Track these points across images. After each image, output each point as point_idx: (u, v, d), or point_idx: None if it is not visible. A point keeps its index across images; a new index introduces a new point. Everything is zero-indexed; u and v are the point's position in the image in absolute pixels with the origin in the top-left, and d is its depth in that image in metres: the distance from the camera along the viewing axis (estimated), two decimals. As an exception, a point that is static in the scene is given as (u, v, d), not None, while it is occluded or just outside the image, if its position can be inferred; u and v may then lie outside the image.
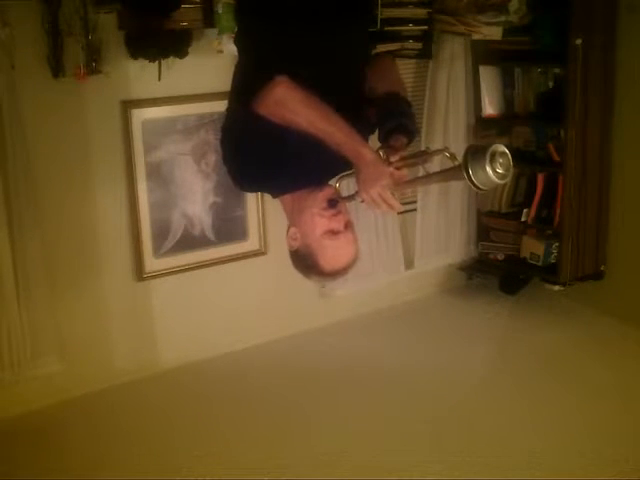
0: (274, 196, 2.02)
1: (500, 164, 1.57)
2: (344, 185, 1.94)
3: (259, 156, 1.83)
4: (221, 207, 3.75)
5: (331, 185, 1.91)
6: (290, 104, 1.73)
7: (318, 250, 1.87)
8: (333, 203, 1.87)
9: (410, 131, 1.86)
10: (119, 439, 3.18)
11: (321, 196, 1.87)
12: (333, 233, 1.86)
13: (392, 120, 1.85)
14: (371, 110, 1.94)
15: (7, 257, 3.13)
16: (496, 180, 1.57)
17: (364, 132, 1.87)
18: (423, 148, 1.96)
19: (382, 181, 1.72)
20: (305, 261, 1.90)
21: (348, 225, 1.89)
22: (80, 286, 3.45)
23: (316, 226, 1.86)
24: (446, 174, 1.72)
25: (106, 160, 3.39)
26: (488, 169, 1.55)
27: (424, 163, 1.78)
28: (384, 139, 1.85)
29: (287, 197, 1.94)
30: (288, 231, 1.94)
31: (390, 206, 1.76)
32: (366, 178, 1.74)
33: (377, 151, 1.76)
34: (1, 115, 3.01)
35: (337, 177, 1.90)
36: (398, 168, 1.76)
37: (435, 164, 1.89)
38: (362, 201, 1.80)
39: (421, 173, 1.86)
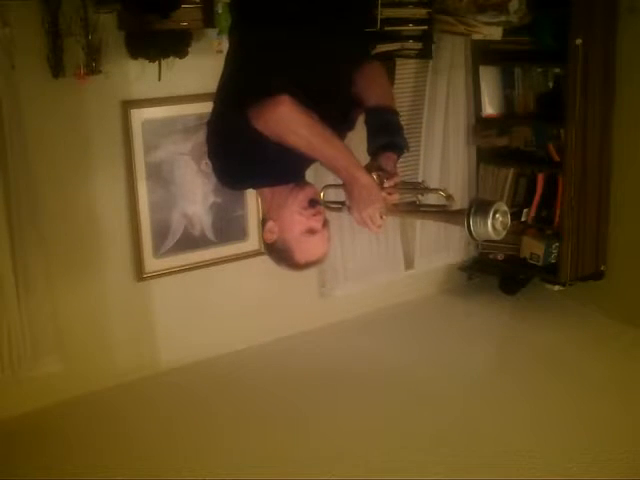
0: (255, 188, 2.05)
1: (500, 222, 1.66)
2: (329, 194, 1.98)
3: (242, 153, 1.83)
4: (221, 207, 3.74)
5: (312, 185, 1.95)
6: (291, 125, 1.72)
7: (295, 246, 1.91)
8: (314, 202, 1.91)
9: (399, 147, 1.91)
10: (119, 439, 3.18)
11: (302, 196, 1.90)
12: (311, 232, 1.90)
13: (382, 137, 1.89)
14: (356, 111, 1.97)
15: (7, 257, 3.13)
16: (492, 235, 1.67)
17: (342, 130, 1.90)
18: (420, 180, 2.02)
19: (375, 205, 1.77)
20: (280, 253, 1.95)
21: (325, 224, 1.94)
22: (80, 286, 3.45)
23: (295, 224, 1.90)
24: (446, 216, 1.80)
25: (106, 160, 3.39)
26: (489, 224, 1.64)
27: (416, 195, 1.85)
28: (374, 155, 1.89)
29: (267, 191, 1.96)
30: (265, 224, 1.96)
31: (378, 227, 1.81)
32: (359, 201, 1.78)
33: (371, 174, 1.80)
34: (1, 115, 3.01)
35: (323, 186, 1.94)
36: (390, 193, 1.82)
37: (430, 198, 1.94)
38: (349, 214, 1.84)
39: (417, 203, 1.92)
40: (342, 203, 1.86)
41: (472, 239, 1.71)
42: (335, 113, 1.82)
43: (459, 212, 1.69)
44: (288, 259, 1.94)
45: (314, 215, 1.90)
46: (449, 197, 1.76)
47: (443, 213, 1.81)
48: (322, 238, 1.94)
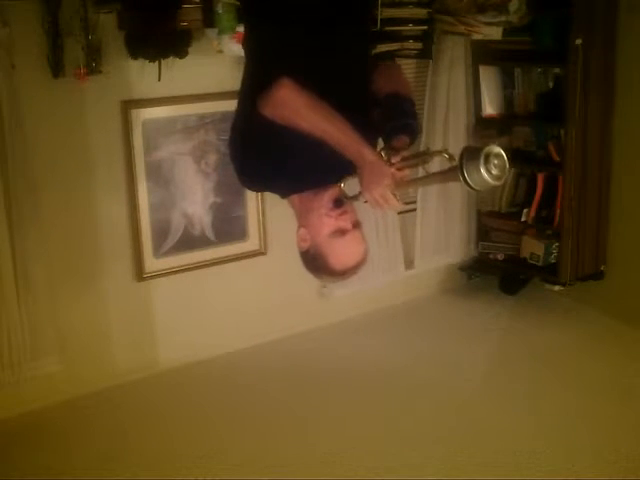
0: (282, 196, 2.01)
1: (495, 165, 1.57)
2: (350, 185, 1.94)
3: (266, 155, 1.84)
4: (221, 207, 3.74)
5: (336, 185, 1.91)
6: (293, 106, 1.74)
7: (327, 250, 1.88)
8: (339, 202, 1.87)
9: (413, 130, 1.88)
10: (119, 439, 3.18)
11: (327, 196, 1.88)
12: (341, 232, 1.87)
13: (395, 120, 1.87)
14: (377, 113, 1.95)
15: (7, 257, 3.13)
16: (491, 181, 1.58)
17: (371, 136, 1.88)
18: (423, 149, 1.97)
19: (384, 181, 1.74)
20: (315, 261, 1.91)
21: (356, 224, 1.90)
22: (80, 286, 3.45)
23: (324, 226, 1.87)
24: (444, 175, 1.73)
25: (106, 160, 3.39)
26: (482, 170, 1.56)
27: (424, 164, 1.80)
28: (387, 138, 1.86)
29: (295, 198, 1.95)
30: (298, 232, 1.94)
31: (391, 206, 1.78)
32: (368, 179, 1.76)
33: (379, 152, 1.78)
34: (1, 115, 3.01)
35: (343, 178, 1.90)
36: (399, 169, 1.77)
37: (435, 164, 1.90)
38: (365, 201, 1.81)
39: (421, 173, 1.88)
40: (359, 193, 1.82)
41: (474, 190, 1.62)
42: (351, 112, 1.79)
43: (454, 168, 1.62)
44: (324, 267, 1.90)
45: (341, 215, 1.88)
46: (451, 157, 1.69)
47: (441, 173, 1.74)
48: (354, 239, 1.90)
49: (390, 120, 1.88)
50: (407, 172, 1.79)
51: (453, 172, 1.62)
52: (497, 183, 1.60)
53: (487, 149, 1.57)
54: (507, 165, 1.59)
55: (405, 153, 1.80)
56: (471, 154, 1.58)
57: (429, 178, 1.82)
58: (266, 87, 1.76)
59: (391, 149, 1.80)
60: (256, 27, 1.94)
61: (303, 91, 1.74)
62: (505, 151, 1.61)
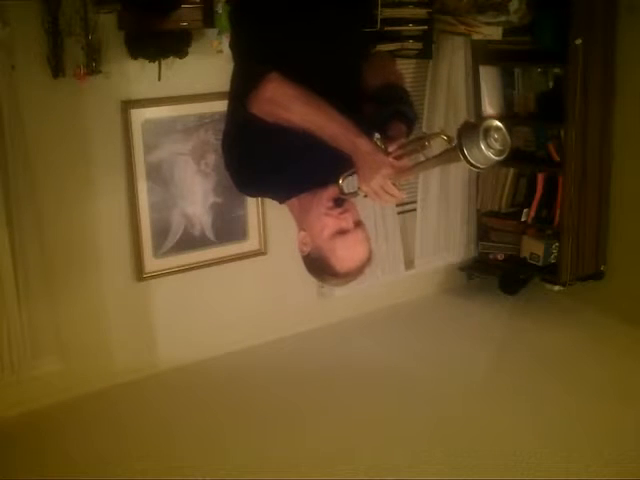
0: (280, 202, 1.95)
1: (495, 139, 1.50)
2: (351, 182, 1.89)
3: (259, 160, 1.80)
4: (221, 207, 3.74)
5: (335, 184, 1.86)
6: (282, 100, 1.69)
7: (329, 251, 1.81)
8: (339, 202, 1.82)
9: (408, 118, 1.81)
10: (119, 439, 3.18)
11: (326, 196, 1.82)
12: (342, 232, 1.81)
13: (388, 108, 1.80)
14: (370, 106, 1.89)
15: (7, 257, 3.13)
16: (493, 157, 1.50)
17: (366, 131, 1.85)
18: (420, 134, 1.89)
19: (381, 171, 1.67)
20: (317, 264, 1.85)
21: (358, 224, 1.84)
22: (80, 286, 3.45)
23: (324, 226, 1.81)
24: (444, 157, 1.63)
25: (106, 160, 3.39)
26: (483, 146, 1.49)
27: (423, 149, 1.71)
28: (382, 127, 1.78)
29: (294, 201, 1.89)
30: (298, 236, 1.87)
31: (392, 196, 1.71)
32: (365, 169, 1.68)
33: (375, 141, 1.70)
34: (1, 115, 3.01)
35: (342, 175, 1.83)
36: (398, 157, 1.70)
37: (435, 149, 1.84)
38: (365, 196, 1.75)
39: (421, 159, 1.81)
40: (358, 189, 1.75)
41: (477, 169, 1.54)
42: (346, 110, 1.73)
43: (453, 148, 1.54)
44: (327, 269, 1.83)
45: (341, 214, 1.81)
46: (450, 139, 1.60)
47: (441, 155, 1.63)
48: (356, 239, 1.82)
49: (383, 108, 1.80)
50: (406, 161, 1.71)
51: (453, 152, 1.54)
52: (500, 158, 1.52)
53: (486, 123, 1.50)
54: (508, 138, 1.53)
55: (402, 140, 1.73)
56: (469, 130, 1.51)
57: (429, 162, 1.70)
58: (254, 85, 1.70)
59: (387, 137, 1.73)
60: (243, 25, 1.90)
61: (291, 84, 1.68)
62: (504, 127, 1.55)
